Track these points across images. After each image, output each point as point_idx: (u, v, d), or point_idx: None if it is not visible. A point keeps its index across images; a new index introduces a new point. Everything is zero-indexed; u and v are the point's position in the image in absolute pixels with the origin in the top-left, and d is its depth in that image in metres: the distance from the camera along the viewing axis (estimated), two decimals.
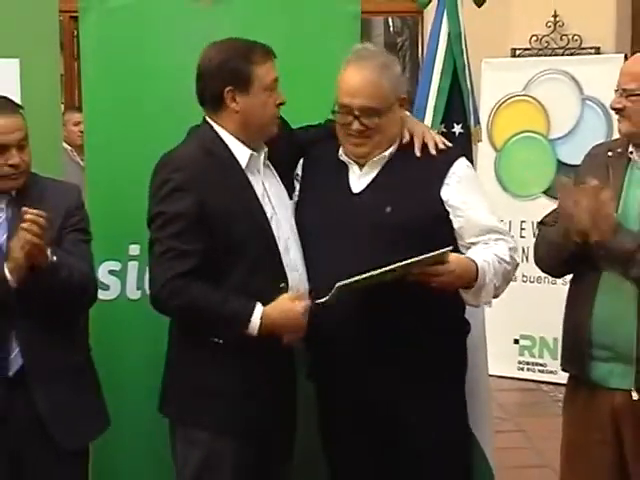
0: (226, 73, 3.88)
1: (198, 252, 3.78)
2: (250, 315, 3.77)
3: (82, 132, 4.86)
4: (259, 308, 3.79)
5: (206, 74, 3.93)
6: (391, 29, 12.45)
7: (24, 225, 3.60)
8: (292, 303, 3.82)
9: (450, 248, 3.79)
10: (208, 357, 3.94)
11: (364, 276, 3.61)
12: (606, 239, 3.78)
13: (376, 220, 3.77)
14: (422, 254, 3.63)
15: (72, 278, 3.83)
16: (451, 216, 3.95)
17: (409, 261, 3.62)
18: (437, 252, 3.71)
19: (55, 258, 3.75)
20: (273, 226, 3.93)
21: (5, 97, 4.02)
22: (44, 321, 3.86)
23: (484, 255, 3.86)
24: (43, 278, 3.73)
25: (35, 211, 3.63)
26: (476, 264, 3.80)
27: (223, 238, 3.82)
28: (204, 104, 3.98)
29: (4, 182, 3.88)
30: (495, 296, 3.96)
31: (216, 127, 3.96)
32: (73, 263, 3.86)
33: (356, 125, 3.94)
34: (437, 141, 4.08)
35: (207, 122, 3.99)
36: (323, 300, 3.71)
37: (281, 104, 3.98)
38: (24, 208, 3.65)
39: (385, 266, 3.60)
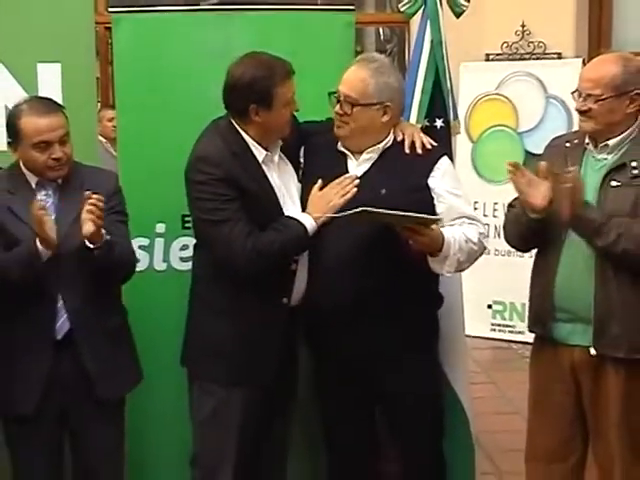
0: (252, 93, 3.89)
1: (245, 217, 3.85)
2: (303, 223, 3.91)
3: (115, 127, 4.87)
4: (303, 215, 3.95)
5: (234, 89, 3.93)
6: (381, 37, 12.38)
7: (88, 207, 3.66)
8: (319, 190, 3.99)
9: (441, 217, 3.89)
10: (217, 319, 4.02)
11: (382, 211, 3.66)
12: (578, 214, 3.77)
13: (371, 200, 3.75)
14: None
15: (122, 255, 3.89)
16: (435, 202, 3.99)
17: (412, 214, 3.70)
18: (432, 217, 3.85)
19: (108, 237, 3.78)
20: (282, 204, 3.99)
21: (49, 98, 4.05)
22: (88, 291, 3.90)
23: (453, 233, 3.90)
24: (100, 254, 3.76)
25: (96, 196, 3.69)
26: (443, 237, 3.84)
27: (254, 216, 3.89)
28: (229, 110, 3.99)
29: (49, 172, 3.90)
30: (459, 269, 4.01)
31: (239, 129, 3.97)
32: (118, 241, 3.89)
33: (337, 108, 3.99)
34: (424, 142, 4.11)
35: (231, 123, 4.00)
36: (343, 214, 3.80)
37: (296, 110, 4.04)
38: (87, 193, 3.70)
39: (398, 210, 3.67)
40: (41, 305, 3.90)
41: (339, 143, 4.11)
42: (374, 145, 4.06)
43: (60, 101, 4.32)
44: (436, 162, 4.07)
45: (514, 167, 3.89)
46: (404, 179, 3.96)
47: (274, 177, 4.03)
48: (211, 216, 3.88)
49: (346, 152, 4.10)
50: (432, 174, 4.04)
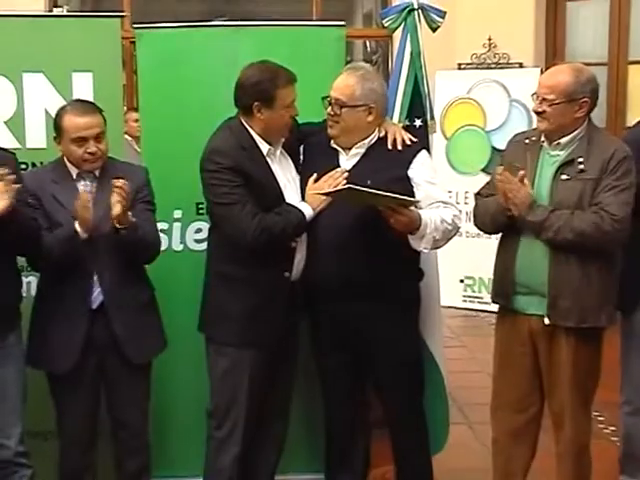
0: (256, 92, 3.94)
1: (251, 200, 3.89)
2: (302, 211, 3.96)
3: (139, 127, 4.88)
4: (303, 204, 3.99)
5: (242, 88, 3.98)
6: (368, 49, 12.40)
7: (115, 190, 3.73)
8: (314, 182, 4.03)
9: (418, 200, 3.92)
10: (230, 291, 4.04)
11: (365, 189, 3.71)
12: (521, 213, 3.86)
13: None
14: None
15: (145, 236, 3.93)
16: (414, 190, 4.01)
17: (392, 194, 3.73)
18: (410, 198, 3.88)
19: (134, 219, 3.84)
20: (284, 191, 4.02)
21: (90, 102, 4.11)
22: (119, 268, 3.95)
23: (430, 214, 3.93)
24: (125, 232, 3.82)
25: (121, 180, 3.76)
26: (421, 218, 3.87)
27: (259, 201, 3.92)
28: (237, 106, 4.03)
29: (85, 165, 3.95)
30: (435, 246, 4.03)
31: (246, 125, 4.01)
32: (144, 225, 3.94)
33: (329, 110, 4.03)
34: (405, 138, 4.14)
35: (240, 121, 4.03)
36: (333, 190, 3.85)
37: (295, 116, 4.05)
38: (113, 180, 3.77)
39: (379, 190, 3.72)
40: (79, 279, 3.94)
41: (332, 141, 4.13)
42: (361, 141, 4.08)
43: None
44: (415, 155, 4.10)
45: (502, 175, 3.90)
46: (387, 171, 3.98)
47: (276, 169, 4.05)
48: (223, 199, 3.92)
49: (337, 148, 4.13)
50: (411, 166, 4.07)
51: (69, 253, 3.85)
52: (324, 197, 3.95)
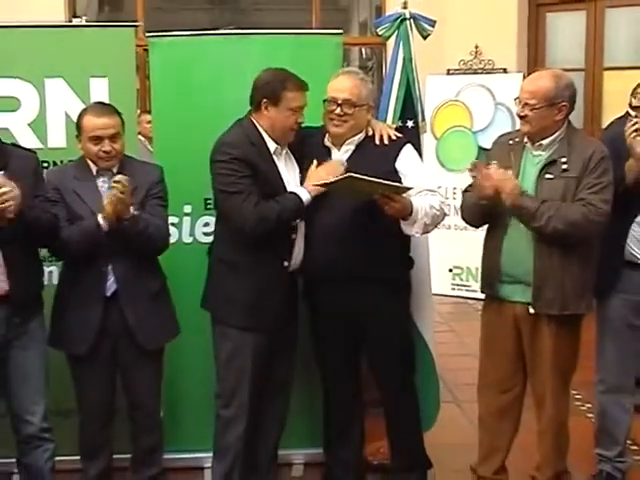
0: (266, 90, 3.97)
1: (256, 191, 3.89)
2: (300, 195, 3.94)
3: (151, 128, 4.87)
4: (300, 189, 3.97)
5: (255, 87, 4.00)
6: (363, 56, 12.41)
7: (113, 184, 3.74)
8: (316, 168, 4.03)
9: (412, 187, 3.92)
10: (233, 277, 4.05)
11: (365, 177, 3.72)
12: (515, 202, 3.83)
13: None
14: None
15: (148, 229, 3.91)
16: (402, 180, 4.01)
17: (389, 182, 3.78)
18: (404, 185, 3.91)
19: (136, 213, 3.84)
20: (287, 185, 4.02)
21: (109, 104, 4.12)
22: (132, 258, 3.95)
23: (420, 201, 3.95)
24: (127, 226, 3.82)
25: (120, 176, 3.77)
26: (412, 204, 3.90)
27: (262, 191, 3.92)
28: (251, 105, 4.04)
29: (100, 162, 3.97)
30: (425, 231, 4.05)
31: (256, 122, 4.02)
32: (150, 219, 3.93)
33: (339, 110, 4.01)
34: (390, 134, 4.16)
35: (250, 118, 4.04)
36: (334, 179, 3.83)
37: (300, 123, 4.04)
38: (115, 177, 3.78)
39: (374, 177, 3.73)
40: (95, 268, 3.95)
41: (325, 139, 4.14)
42: (351, 138, 4.11)
43: None
44: (401, 149, 4.13)
45: (473, 166, 3.91)
46: (377, 164, 3.98)
47: (282, 167, 4.06)
48: (228, 188, 3.92)
49: (330, 146, 4.14)
50: (399, 157, 4.09)
51: (90, 244, 3.87)
52: (322, 181, 3.94)
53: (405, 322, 4.32)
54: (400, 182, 3.99)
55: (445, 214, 4.14)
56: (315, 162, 4.04)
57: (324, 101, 4.08)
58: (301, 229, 4.07)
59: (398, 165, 4.08)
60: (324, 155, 4.13)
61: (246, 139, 3.98)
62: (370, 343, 4.20)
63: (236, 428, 4.10)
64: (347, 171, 3.87)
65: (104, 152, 3.94)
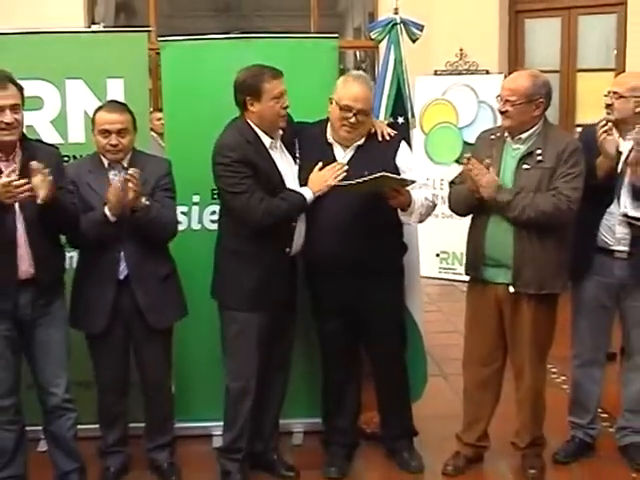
0: (245, 88, 3.92)
1: (259, 189, 3.87)
2: (304, 195, 3.95)
3: (163, 125, 4.86)
4: (305, 189, 3.97)
5: (236, 88, 3.96)
6: (358, 58, 12.37)
7: (126, 177, 3.74)
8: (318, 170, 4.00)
9: (415, 179, 3.93)
10: (239, 265, 4.02)
11: (394, 176, 3.81)
12: (491, 195, 3.88)
13: (357, 179, 3.83)
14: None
15: (158, 218, 3.91)
16: (401, 174, 4.01)
17: (391, 175, 3.80)
18: (408, 178, 3.92)
19: (148, 202, 3.83)
20: (284, 179, 4.00)
21: (121, 102, 4.12)
22: (143, 245, 3.94)
23: (417, 193, 3.97)
24: (139, 215, 3.82)
25: (132, 169, 3.76)
26: (411, 196, 3.92)
27: (264, 187, 3.90)
28: (237, 106, 4.00)
29: (108, 155, 3.98)
30: (420, 220, 4.09)
31: (248, 121, 3.98)
32: (160, 209, 3.93)
33: (353, 119, 3.97)
34: (389, 132, 4.17)
35: (242, 118, 4.00)
36: (366, 179, 3.79)
37: (286, 107, 3.99)
38: (129, 170, 3.77)
39: (375, 173, 3.76)
40: (108, 254, 3.95)
41: (328, 135, 4.11)
42: (361, 139, 4.09)
43: None
44: (398, 146, 4.13)
45: (468, 160, 3.93)
46: (380, 160, 3.97)
47: (278, 159, 4.03)
48: (234, 189, 3.89)
49: (332, 142, 4.11)
50: (397, 155, 4.10)
51: (98, 233, 3.87)
52: (325, 183, 3.94)
53: (399, 304, 4.33)
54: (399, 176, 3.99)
55: (435, 204, 4.16)
56: (320, 164, 4.01)
57: (340, 109, 4.00)
58: (301, 218, 4.06)
59: (398, 161, 4.08)
60: (327, 151, 4.10)
61: (242, 139, 3.94)
62: (367, 323, 4.19)
63: (245, 400, 4.09)
64: (346, 172, 3.91)
65: (111, 145, 3.93)
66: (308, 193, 3.97)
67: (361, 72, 4.35)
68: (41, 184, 3.47)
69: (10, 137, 3.59)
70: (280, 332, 4.19)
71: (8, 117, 3.54)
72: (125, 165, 3.98)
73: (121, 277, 3.98)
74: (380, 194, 3.89)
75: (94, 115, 4.00)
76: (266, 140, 3.99)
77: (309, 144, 4.14)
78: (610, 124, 3.99)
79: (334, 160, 4.06)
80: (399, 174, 4.00)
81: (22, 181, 3.44)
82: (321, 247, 4.03)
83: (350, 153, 4.09)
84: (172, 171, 4.12)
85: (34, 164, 3.49)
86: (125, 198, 3.78)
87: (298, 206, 3.96)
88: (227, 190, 3.94)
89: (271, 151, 4.01)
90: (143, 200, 3.82)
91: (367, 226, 3.99)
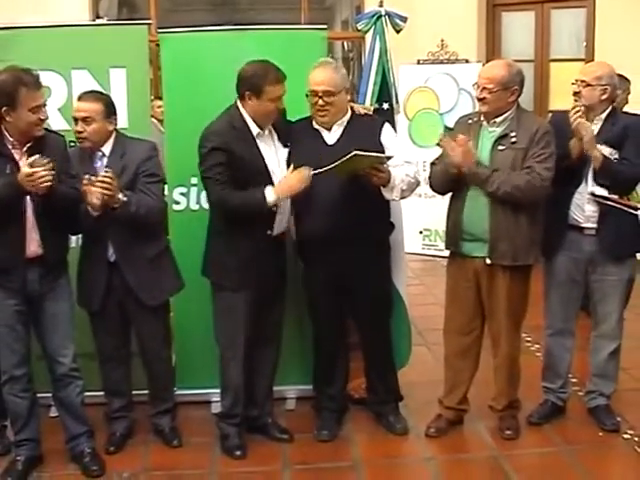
0: (249, 83, 3.89)
1: (227, 179, 3.84)
2: (263, 192, 3.85)
3: (162, 112, 4.83)
4: (269, 187, 3.88)
5: (240, 78, 3.92)
6: (345, 48, 12.33)
7: (98, 183, 3.68)
8: (290, 173, 3.90)
9: (393, 155, 3.91)
10: (225, 245, 4.02)
11: (363, 153, 3.74)
12: (471, 169, 3.90)
13: (331, 164, 3.81)
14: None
15: (139, 211, 3.84)
16: (386, 152, 3.99)
17: (363, 153, 3.75)
18: (384, 155, 3.90)
19: (125, 199, 3.78)
20: (269, 166, 3.96)
21: (95, 91, 4.08)
22: (128, 229, 3.89)
23: (397, 170, 3.96)
24: (119, 211, 3.78)
25: (102, 174, 3.71)
26: (390, 172, 3.91)
27: (241, 172, 3.87)
28: (237, 93, 3.97)
29: (78, 142, 3.98)
30: (403, 196, 4.06)
31: (241, 109, 3.96)
32: (141, 200, 3.86)
33: (321, 102, 3.96)
34: (365, 111, 4.22)
35: (237, 105, 3.98)
36: (317, 171, 3.81)
37: (280, 109, 3.98)
38: (102, 173, 3.73)
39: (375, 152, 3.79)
40: (98, 239, 3.95)
41: (313, 123, 4.09)
42: (340, 119, 4.06)
43: (124, 94, 4.41)
44: (382, 126, 4.11)
45: (443, 138, 3.96)
46: (365, 139, 3.94)
47: (264, 148, 3.99)
48: (205, 174, 3.92)
49: (319, 128, 4.09)
50: (381, 133, 4.07)
51: (87, 223, 3.86)
52: (290, 189, 3.87)
53: (386, 276, 4.32)
54: (384, 153, 3.98)
55: (419, 182, 4.13)
56: (292, 167, 3.93)
57: (306, 95, 4.01)
58: (284, 202, 4.00)
59: (382, 139, 4.06)
60: (316, 137, 4.07)
61: (229, 125, 3.92)
62: (356, 293, 4.18)
63: (236, 367, 4.10)
64: (314, 175, 3.85)
65: (77, 132, 3.92)
66: (271, 196, 3.86)
67: (327, 58, 4.29)
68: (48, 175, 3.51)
69: (40, 132, 3.66)
70: (268, 307, 4.18)
71: (44, 114, 3.63)
72: (107, 153, 3.94)
73: (111, 260, 3.97)
74: (362, 175, 3.87)
75: None
76: (254, 128, 3.96)
77: (298, 135, 4.11)
78: (583, 108, 3.99)
79: (324, 143, 4.05)
80: (384, 151, 3.98)
81: (44, 172, 3.47)
82: (317, 224, 4.00)
83: (337, 134, 4.07)
84: (156, 154, 4.05)
85: (37, 160, 3.50)
86: (105, 198, 3.73)
87: (252, 205, 3.87)
88: (202, 174, 3.96)
89: (258, 139, 3.97)
90: (120, 196, 3.76)
91: (356, 204, 3.95)
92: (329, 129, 4.08)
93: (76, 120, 3.91)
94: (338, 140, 4.05)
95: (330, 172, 3.83)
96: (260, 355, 4.26)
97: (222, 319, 4.09)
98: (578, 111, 3.97)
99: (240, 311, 4.02)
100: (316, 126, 4.09)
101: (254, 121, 3.96)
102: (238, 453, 4.13)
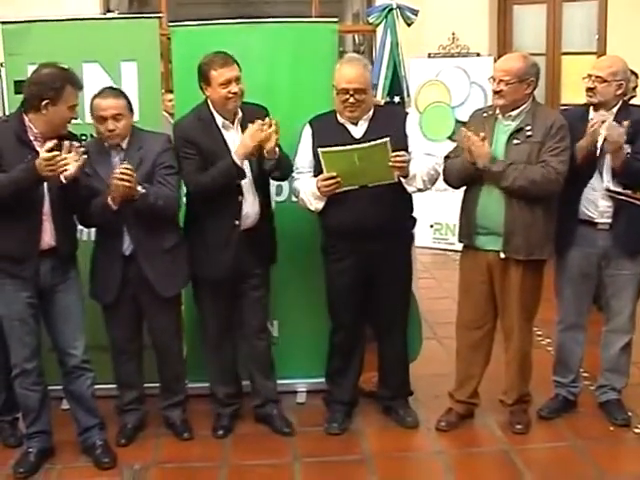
0: (199, 74, 3.97)
1: (197, 167, 3.93)
2: (231, 158, 3.90)
3: (173, 105, 4.83)
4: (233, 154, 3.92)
5: (197, 74, 4.00)
6: (356, 41, 12.28)
7: (117, 176, 3.69)
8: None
9: (387, 139, 3.82)
10: (195, 236, 4.09)
11: (368, 145, 3.79)
12: (486, 164, 3.88)
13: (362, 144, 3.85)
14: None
15: (157, 202, 3.85)
16: (409, 142, 4.03)
17: (374, 142, 3.78)
18: (385, 140, 3.81)
19: (144, 190, 3.78)
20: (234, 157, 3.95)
21: (115, 88, 4.08)
22: (145, 224, 3.90)
23: (416, 162, 3.95)
24: (138, 203, 3.78)
25: (123, 166, 3.72)
26: (409, 163, 3.91)
27: (207, 162, 3.94)
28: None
29: (106, 140, 3.93)
30: (425, 188, 4.04)
31: (208, 102, 4.02)
32: (159, 191, 3.87)
33: (352, 99, 3.96)
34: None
35: (205, 99, 4.04)
36: (337, 149, 3.85)
37: (235, 93, 3.95)
38: (121, 165, 3.74)
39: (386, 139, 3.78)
40: (114, 232, 3.95)
41: (338, 117, 4.07)
42: (367, 113, 4.05)
43: (135, 88, 4.40)
44: (406, 118, 4.14)
45: (465, 133, 3.92)
46: (391, 132, 3.90)
47: (230, 138, 4.01)
48: (179, 164, 3.98)
49: (344, 123, 4.07)
50: (405, 125, 4.08)
51: (104, 217, 3.85)
52: (246, 147, 3.88)
53: (409, 266, 4.33)
54: (408, 144, 4.01)
55: (439, 173, 4.12)
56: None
57: (337, 93, 3.98)
58: (248, 193, 4.03)
59: (407, 130, 4.07)
60: (342, 131, 4.06)
61: (195, 118, 4.02)
62: (382, 286, 4.17)
63: (213, 354, 4.30)
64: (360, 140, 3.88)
65: (108, 130, 3.88)
66: (236, 159, 3.90)
67: (354, 54, 4.32)
68: (73, 162, 3.52)
69: (65, 130, 3.73)
70: (246, 301, 4.20)
71: (76, 114, 3.75)
72: (124, 146, 3.94)
73: (127, 253, 3.97)
74: (385, 173, 3.87)
75: (91, 103, 3.93)
76: (219, 120, 4.01)
77: (324, 131, 4.09)
78: (605, 118, 3.92)
79: (351, 137, 4.03)
80: (408, 143, 4.00)
81: (64, 156, 3.49)
82: (350, 217, 3.99)
83: (363, 127, 4.06)
84: (172, 146, 4.04)
85: (73, 143, 3.53)
86: (124, 190, 3.74)
87: (224, 169, 3.90)
88: (176, 163, 4.01)
89: (223, 130, 4.00)
90: (139, 188, 3.77)
91: (382, 196, 3.95)
92: (355, 123, 4.07)
93: (103, 119, 3.86)
94: (365, 133, 4.04)
95: (352, 152, 3.83)
96: (248, 348, 4.31)
97: (197, 311, 4.28)
98: (594, 124, 3.91)
99: (209, 300, 4.17)
100: (341, 120, 4.08)
101: (218, 112, 4.01)
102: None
